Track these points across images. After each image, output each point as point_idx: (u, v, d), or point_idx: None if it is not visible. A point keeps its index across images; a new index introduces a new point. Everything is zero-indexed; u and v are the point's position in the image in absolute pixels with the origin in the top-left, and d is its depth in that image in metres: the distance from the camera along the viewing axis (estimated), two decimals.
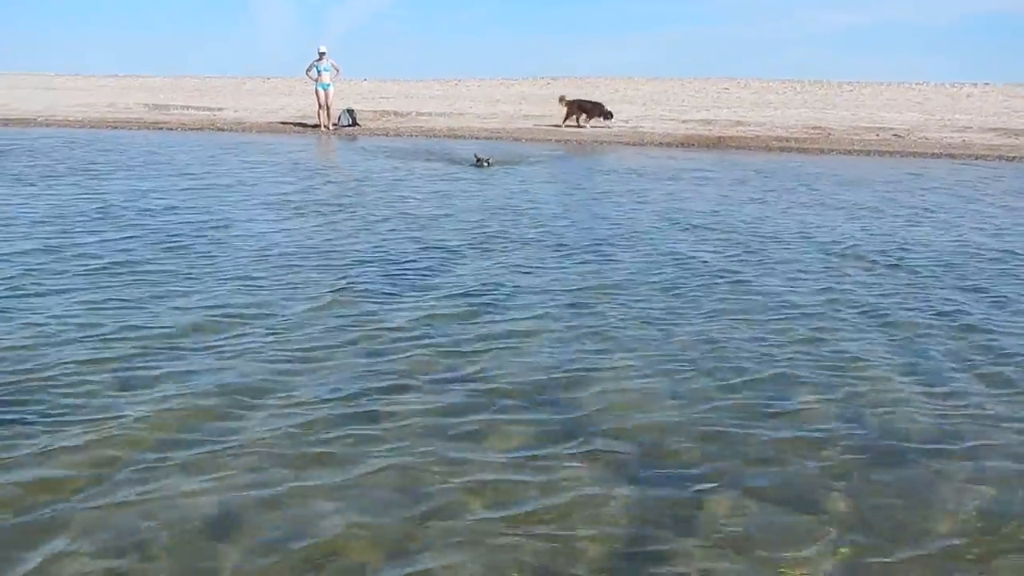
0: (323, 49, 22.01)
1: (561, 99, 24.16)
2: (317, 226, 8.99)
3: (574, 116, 23.49)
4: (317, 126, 23.10)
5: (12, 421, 3.95)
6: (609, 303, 6.17)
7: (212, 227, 8.75)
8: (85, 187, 11.46)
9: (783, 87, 35.98)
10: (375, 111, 26.73)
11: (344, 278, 6.73)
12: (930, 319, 5.96)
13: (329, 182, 12.78)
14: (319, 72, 22.04)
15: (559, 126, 23.41)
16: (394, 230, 8.87)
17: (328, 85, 22.33)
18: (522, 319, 5.74)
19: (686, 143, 21.24)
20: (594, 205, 11.08)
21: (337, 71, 22.34)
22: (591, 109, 23.40)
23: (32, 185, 11.60)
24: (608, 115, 23.19)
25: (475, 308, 5.97)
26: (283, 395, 4.33)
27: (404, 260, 7.43)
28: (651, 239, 8.74)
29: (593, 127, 23.81)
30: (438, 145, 19.83)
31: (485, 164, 14.95)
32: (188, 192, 11.25)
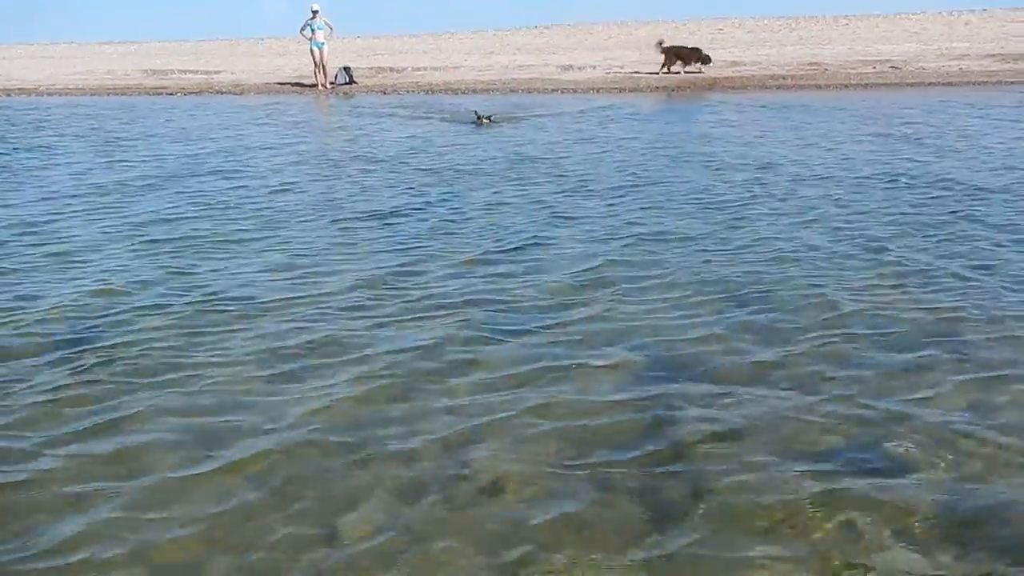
0: (316, 7, 21.99)
1: (658, 44, 23.20)
2: (351, 185, 9.19)
3: (670, 63, 22.75)
4: (315, 85, 23.16)
5: (89, 383, 4.24)
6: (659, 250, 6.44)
7: (263, 190, 8.92)
8: (118, 157, 11.63)
9: (778, 24, 35.79)
10: (371, 68, 26.75)
11: (392, 236, 7.07)
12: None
13: (346, 141, 12.93)
14: (313, 31, 22.05)
15: (655, 73, 22.75)
16: (426, 185, 9.09)
17: (323, 44, 22.35)
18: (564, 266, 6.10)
19: (683, 86, 21.30)
20: (611, 155, 10.97)
21: (331, 29, 22.34)
22: (688, 55, 22.71)
23: (64, 156, 11.83)
24: (706, 60, 22.66)
25: (521, 257, 6.27)
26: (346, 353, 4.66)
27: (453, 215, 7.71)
28: (686, 184, 8.92)
29: (589, 76, 23.89)
30: (437, 101, 19.90)
31: (486, 121, 14.59)
32: (223, 156, 11.47)
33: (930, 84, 19.97)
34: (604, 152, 10.98)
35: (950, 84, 19.71)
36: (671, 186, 8.65)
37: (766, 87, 20.61)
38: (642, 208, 7.67)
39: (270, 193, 8.81)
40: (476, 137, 12.89)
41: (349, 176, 9.73)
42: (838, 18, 36.76)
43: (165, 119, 16.72)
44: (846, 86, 20.35)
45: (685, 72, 22.65)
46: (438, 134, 13.41)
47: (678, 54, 22.89)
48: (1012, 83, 19.40)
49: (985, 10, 36.09)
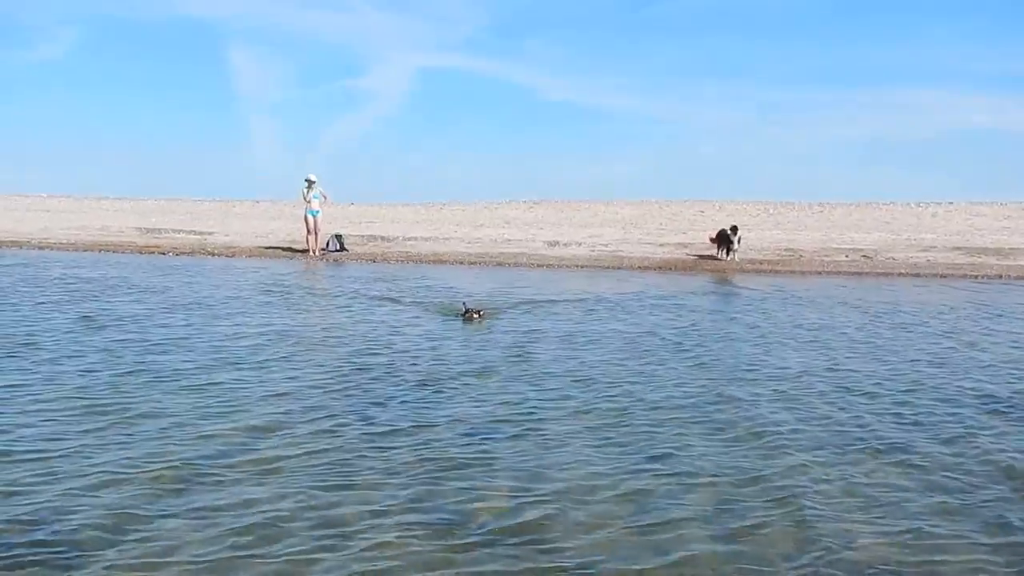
0: (312, 178, 23.09)
1: (710, 239, 23.88)
2: (351, 391, 8.17)
3: (720, 249, 23.27)
4: (306, 251, 23.82)
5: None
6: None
7: (259, 396, 7.99)
8: (102, 337, 10.56)
9: (756, 209, 37.32)
10: (362, 235, 27.53)
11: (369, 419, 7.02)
12: None
13: (341, 333, 11.66)
14: (308, 199, 23.07)
15: (715, 257, 23.20)
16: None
17: (317, 212, 23.26)
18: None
19: (664, 267, 22.00)
20: (609, 363, 9.71)
21: (325, 199, 23.36)
22: (729, 239, 22.98)
23: (43, 341, 11.05)
24: (735, 229, 23.12)
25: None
26: None
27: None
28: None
29: (575, 252, 24.66)
30: (427, 276, 19.85)
31: (476, 317, 12.37)
32: (218, 341, 10.56)
33: (900, 274, 20.77)
34: (603, 360, 9.91)
35: (918, 275, 20.50)
36: (691, 409, 7.70)
37: (744, 271, 21.34)
38: (662, 436, 6.84)
39: (263, 398, 7.79)
40: (469, 336, 11.47)
41: (348, 378, 8.69)
42: (812, 204, 38.44)
43: (154, 291, 15.54)
44: (820, 272, 21.11)
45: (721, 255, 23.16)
46: (433, 329, 11.92)
47: (721, 236, 23.26)
48: (975, 276, 20.23)
49: (951, 203, 37.91)
